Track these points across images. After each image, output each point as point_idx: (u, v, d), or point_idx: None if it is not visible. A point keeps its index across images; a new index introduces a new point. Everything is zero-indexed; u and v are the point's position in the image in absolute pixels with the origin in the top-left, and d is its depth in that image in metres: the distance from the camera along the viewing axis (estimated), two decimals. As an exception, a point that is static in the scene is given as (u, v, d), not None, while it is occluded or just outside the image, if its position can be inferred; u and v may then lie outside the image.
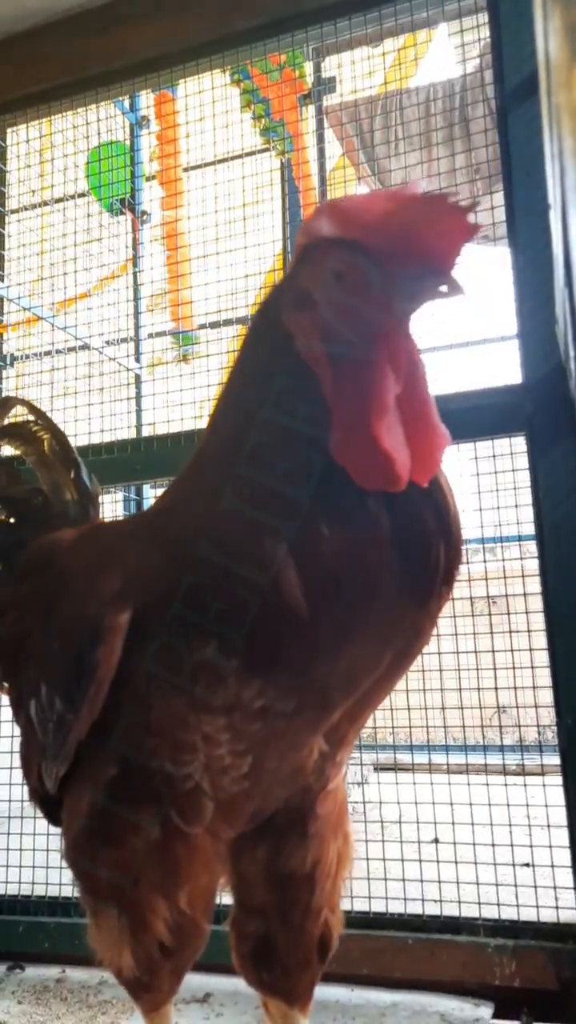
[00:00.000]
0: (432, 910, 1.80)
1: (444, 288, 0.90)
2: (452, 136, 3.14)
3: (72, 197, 2.63)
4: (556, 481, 1.74)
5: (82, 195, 2.59)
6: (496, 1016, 1.64)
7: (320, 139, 3.40)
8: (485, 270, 2.13)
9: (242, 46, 2.26)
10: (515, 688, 1.85)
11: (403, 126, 3.37)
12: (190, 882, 1.09)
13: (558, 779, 1.71)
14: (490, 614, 1.94)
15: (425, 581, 0.95)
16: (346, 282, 0.92)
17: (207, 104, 2.38)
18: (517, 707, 1.85)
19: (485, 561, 2.08)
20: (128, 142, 3.16)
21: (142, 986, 1.13)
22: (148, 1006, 1.17)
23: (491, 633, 1.90)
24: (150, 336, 3.11)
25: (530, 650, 1.83)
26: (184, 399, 2.37)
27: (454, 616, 1.92)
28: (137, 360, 2.83)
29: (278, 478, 0.95)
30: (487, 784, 1.84)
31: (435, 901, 1.79)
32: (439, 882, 1.80)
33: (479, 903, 1.76)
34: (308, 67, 3.17)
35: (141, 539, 1.04)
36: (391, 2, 2.09)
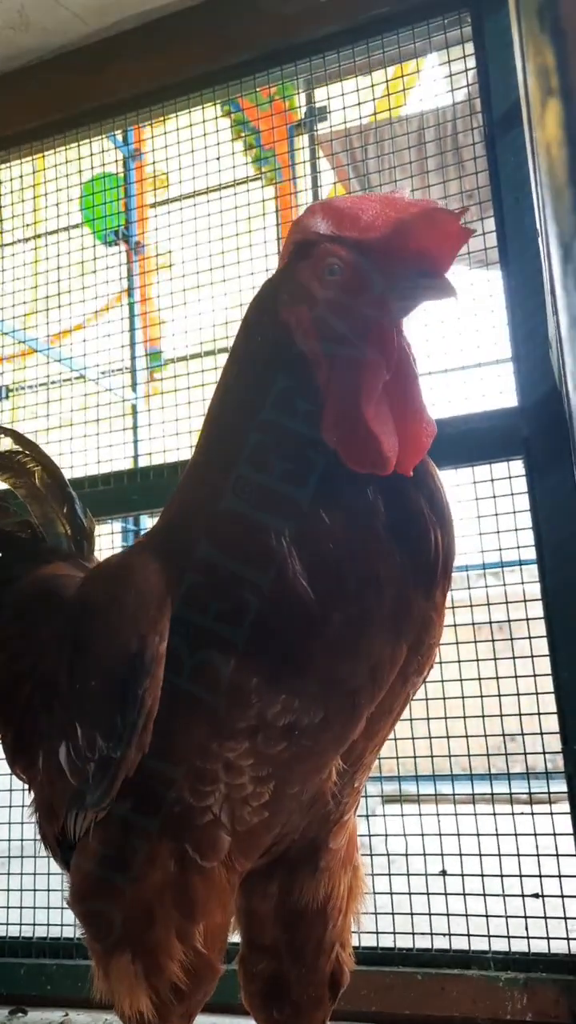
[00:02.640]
0: (441, 944, 1.77)
1: (438, 289, 0.93)
2: (444, 163, 3.17)
3: (66, 229, 2.65)
4: (555, 504, 1.73)
5: (75, 227, 2.61)
6: (509, 1053, 1.60)
7: (313, 167, 3.43)
8: (480, 294, 2.14)
9: (233, 80, 2.29)
10: (520, 715, 1.83)
11: (395, 154, 3.40)
12: (206, 919, 1.07)
13: (566, 807, 1.69)
14: (493, 640, 1.92)
15: (426, 569, 0.97)
16: (343, 279, 0.96)
17: (198, 137, 2.40)
18: (523, 734, 1.82)
19: (487, 586, 2.07)
20: (121, 174, 3.19)
21: None
22: None
23: (495, 659, 1.88)
24: (147, 367, 3.12)
25: (534, 676, 1.81)
26: (180, 428, 2.37)
27: (457, 643, 1.91)
28: (133, 390, 2.83)
29: (277, 472, 0.97)
30: (494, 814, 1.81)
31: (444, 935, 1.76)
32: (448, 915, 1.77)
33: (489, 936, 1.73)
34: (300, 98, 3.21)
35: (157, 563, 1.04)
36: (379, 35, 2.12)
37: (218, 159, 2.36)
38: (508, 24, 1.83)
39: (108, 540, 2.39)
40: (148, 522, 2.77)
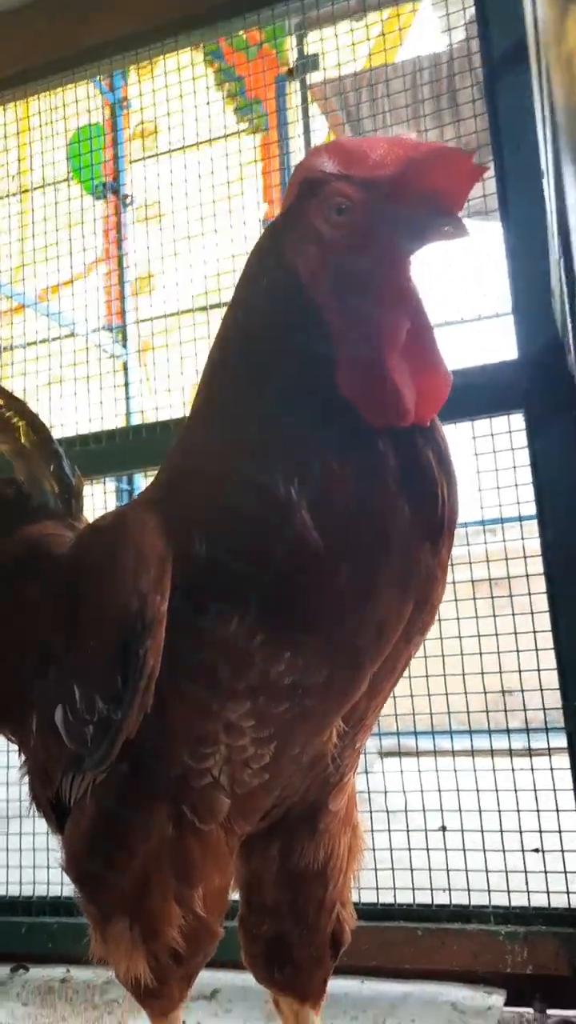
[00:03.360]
0: (441, 899, 1.78)
1: (449, 228, 0.90)
2: (440, 109, 3.08)
3: (52, 184, 2.57)
4: (556, 459, 1.70)
5: (62, 181, 2.54)
6: (508, 1004, 1.62)
7: (305, 115, 3.33)
8: (479, 244, 2.09)
9: (219, 22, 2.20)
10: (520, 671, 1.82)
11: (389, 99, 3.30)
12: (204, 883, 1.05)
13: (566, 761, 1.69)
14: (492, 597, 1.90)
15: (433, 524, 0.95)
16: (352, 217, 0.93)
17: (187, 81, 2.32)
18: (522, 690, 1.82)
19: (486, 543, 2.05)
20: (108, 124, 3.10)
21: (151, 994, 1.09)
22: (157, 1013, 1.14)
23: (494, 616, 1.86)
24: (138, 322, 3.06)
25: (534, 632, 1.80)
26: (173, 385, 2.33)
27: (456, 600, 1.89)
28: (123, 346, 2.78)
29: (286, 422, 0.94)
30: (493, 769, 1.81)
31: (444, 890, 1.77)
32: (447, 871, 1.77)
33: (488, 891, 1.74)
34: (290, 42, 3.11)
35: (156, 519, 1.00)
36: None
37: (208, 104, 2.28)
38: (510, -44, 1.75)
39: (101, 499, 2.35)
40: (142, 481, 2.73)
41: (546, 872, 1.71)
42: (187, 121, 2.38)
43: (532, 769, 1.77)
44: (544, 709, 1.78)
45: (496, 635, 1.85)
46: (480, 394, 1.83)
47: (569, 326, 1.36)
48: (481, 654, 1.85)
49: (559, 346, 1.69)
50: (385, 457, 0.93)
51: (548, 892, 1.70)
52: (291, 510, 0.91)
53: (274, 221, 1.04)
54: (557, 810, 1.72)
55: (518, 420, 1.85)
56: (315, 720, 1.00)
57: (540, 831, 1.74)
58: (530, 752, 1.80)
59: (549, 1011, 1.60)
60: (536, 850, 1.74)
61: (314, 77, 3.42)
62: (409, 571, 0.95)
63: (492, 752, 1.84)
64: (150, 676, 0.96)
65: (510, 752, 1.80)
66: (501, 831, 1.76)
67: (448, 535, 0.98)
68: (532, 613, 1.80)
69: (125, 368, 2.72)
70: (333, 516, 0.92)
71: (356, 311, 0.93)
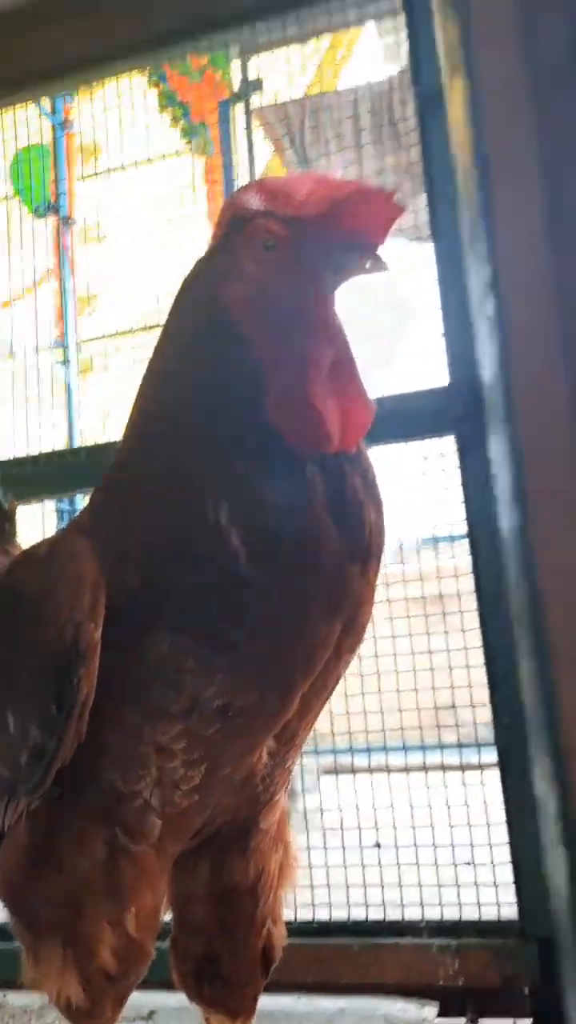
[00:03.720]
0: (376, 915, 1.80)
1: (370, 263, 0.94)
2: (381, 136, 3.16)
3: (-6, 202, 2.58)
4: (484, 481, 1.75)
5: (2, 199, 2.54)
6: (441, 1015, 1.65)
7: (248, 140, 3.38)
8: (416, 268, 2.15)
9: (163, 47, 2.23)
10: (452, 688, 1.86)
11: (332, 125, 3.38)
12: (136, 903, 1.06)
13: (497, 775, 1.73)
14: (426, 614, 1.95)
15: (361, 547, 0.98)
16: (277, 253, 0.96)
17: (126, 107, 2.34)
18: (455, 706, 1.86)
19: (420, 562, 2.09)
20: (51, 145, 3.10)
21: (84, 1014, 1.09)
22: None
23: (427, 633, 1.91)
24: (79, 343, 3.07)
25: (465, 649, 1.84)
26: (115, 406, 2.34)
27: (391, 617, 1.93)
28: (65, 366, 2.78)
29: (215, 451, 0.96)
30: (427, 785, 1.85)
31: (379, 905, 1.80)
32: (382, 886, 1.80)
33: (422, 904, 1.77)
34: (234, 67, 3.16)
35: (89, 546, 1.01)
36: (309, 5, 2.09)
37: (148, 127, 2.31)
38: (437, -2, 1.81)
39: (41, 521, 2.35)
40: (82, 502, 2.73)
41: (477, 885, 1.75)
42: (131, 142, 2.41)
43: (464, 784, 1.81)
44: (475, 724, 1.82)
45: (430, 652, 1.89)
46: (414, 417, 1.88)
47: (481, 357, 1.41)
48: (415, 671, 1.89)
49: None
50: (313, 483, 0.96)
51: (479, 904, 1.74)
52: (222, 536, 0.94)
53: (203, 255, 1.07)
54: (488, 823, 1.76)
55: (450, 442, 1.91)
56: (245, 741, 1.02)
57: (471, 845, 1.77)
58: (462, 767, 1.84)
59: (481, 1021, 1.63)
60: (468, 863, 1.77)
61: (258, 101, 3.47)
62: (338, 594, 0.97)
63: (426, 768, 1.88)
64: (84, 703, 0.97)
65: (443, 768, 1.84)
66: (434, 845, 1.79)
67: (375, 558, 1.01)
68: (463, 631, 1.84)
69: (67, 389, 2.72)
70: (263, 542, 0.94)
71: (282, 343, 0.96)
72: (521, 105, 0.43)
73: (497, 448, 0.50)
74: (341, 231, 0.93)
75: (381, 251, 0.94)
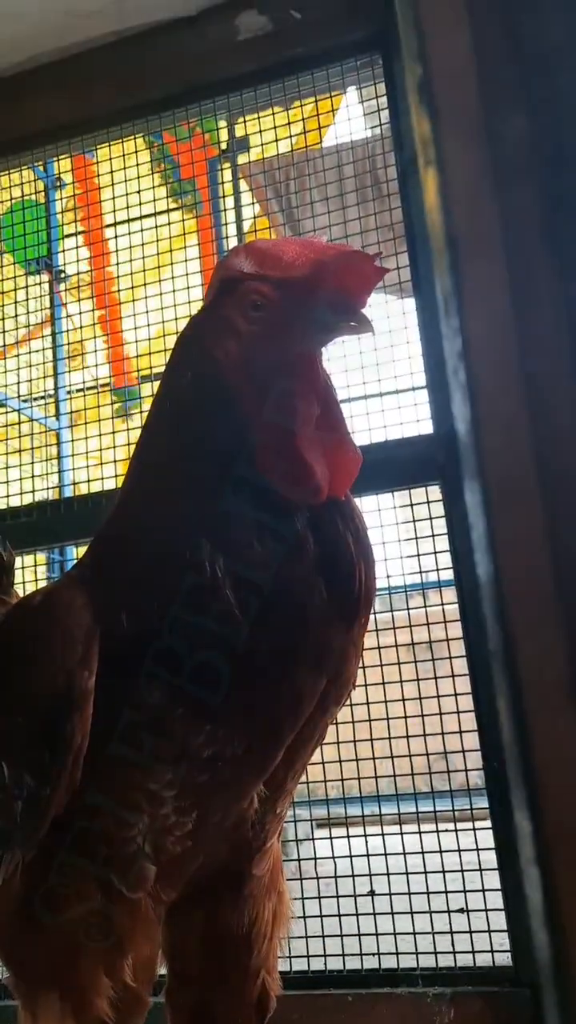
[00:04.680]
0: (371, 964, 1.79)
1: (355, 324, 0.98)
2: (364, 196, 3.25)
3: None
4: (468, 528, 1.79)
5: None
6: (438, 1066, 1.63)
7: (236, 199, 3.48)
8: (399, 321, 2.21)
9: (152, 115, 2.32)
10: (443, 734, 1.87)
11: (318, 185, 3.47)
12: (133, 952, 1.06)
13: (488, 822, 1.74)
14: (416, 661, 1.96)
15: (349, 603, 1.00)
16: (266, 313, 1.00)
17: (128, 167, 2.42)
18: (445, 753, 1.87)
19: (408, 608, 2.12)
20: (43, 203, 3.18)
21: None
22: None
23: (418, 680, 1.92)
24: (70, 394, 3.11)
25: (455, 695, 1.86)
26: (105, 457, 2.37)
27: (381, 664, 1.95)
28: (57, 418, 2.82)
29: (209, 504, 0.99)
30: (419, 832, 1.85)
31: (373, 954, 1.79)
32: (377, 935, 1.79)
33: (416, 953, 1.76)
34: (222, 128, 3.26)
35: (84, 597, 1.04)
36: (294, 75, 2.18)
37: (139, 192, 2.38)
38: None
39: (32, 572, 2.36)
40: (75, 552, 2.75)
41: (471, 932, 1.74)
42: (123, 199, 2.47)
43: (456, 831, 1.81)
44: (467, 771, 1.83)
45: (420, 698, 1.90)
46: (400, 466, 1.93)
47: (455, 415, 1.46)
48: (406, 718, 1.90)
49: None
50: (304, 538, 0.99)
51: (473, 951, 1.73)
52: (216, 588, 0.96)
53: (196, 314, 1.12)
54: (480, 869, 1.76)
55: (436, 490, 1.95)
56: (234, 789, 1.04)
57: (465, 891, 1.77)
58: (454, 815, 1.84)
59: (478, 1072, 1.62)
60: (461, 910, 1.77)
61: (244, 159, 3.58)
62: (325, 648, 1.00)
63: (418, 816, 1.88)
64: (77, 752, 0.98)
65: (435, 816, 1.84)
66: (428, 893, 1.79)
67: (365, 612, 1.03)
68: (453, 676, 1.86)
69: (58, 439, 2.76)
70: (254, 595, 0.96)
71: (271, 398, 1.00)
72: (485, 193, 0.48)
73: (471, 499, 0.54)
74: (326, 292, 0.97)
75: (366, 311, 0.99)
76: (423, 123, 0.53)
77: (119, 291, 2.52)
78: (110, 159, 2.47)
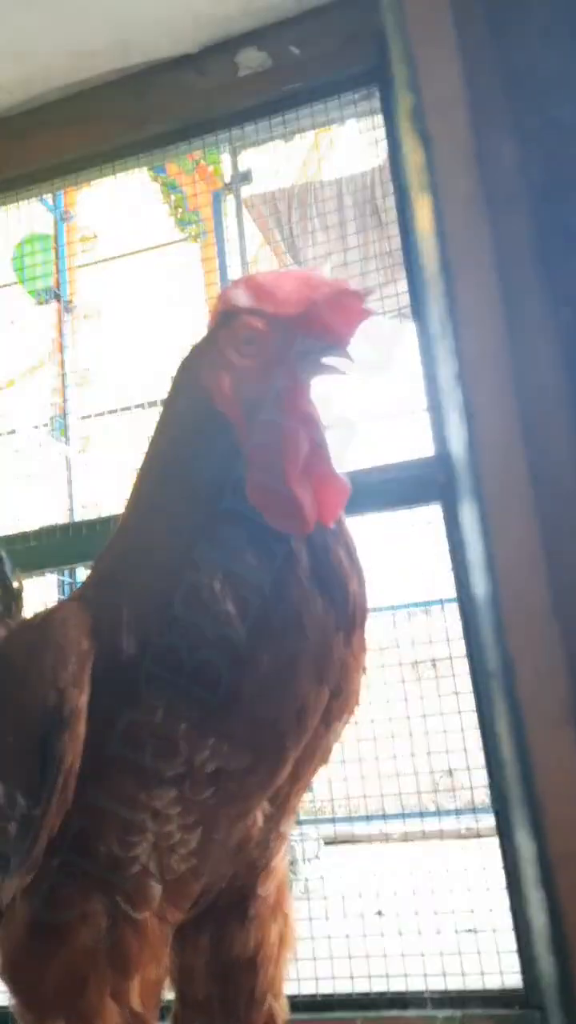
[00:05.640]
0: (379, 986, 1.78)
1: (340, 360, 1.01)
2: (365, 225, 3.32)
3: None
4: (465, 548, 1.80)
5: (5, 286, 2.64)
6: None
7: (240, 229, 3.54)
8: (403, 345, 2.24)
9: (156, 148, 2.37)
10: (448, 752, 1.88)
11: (318, 216, 3.54)
12: (140, 973, 1.06)
13: (495, 841, 1.73)
14: (420, 679, 1.97)
15: (346, 614, 1.02)
16: (257, 345, 1.03)
17: (127, 200, 2.47)
18: (451, 771, 1.87)
19: (412, 628, 2.13)
20: (52, 234, 3.25)
21: None
22: None
23: (422, 698, 1.93)
24: (80, 419, 3.16)
25: (460, 712, 1.86)
26: (114, 482, 2.40)
27: (386, 682, 1.96)
28: (67, 443, 2.86)
29: (205, 526, 1.02)
30: (428, 851, 1.85)
31: (382, 976, 1.78)
32: (385, 956, 1.79)
33: (425, 974, 1.75)
34: (225, 159, 3.33)
35: (82, 616, 1.05)
36: (294, 108, 2.23)
37: (144, 213, 2.43)
38: (414, 100, 1.94)
39: (43, 593, 2.38)
40: (83, 574, 2.77)
41: (479, 953, 1.73)
42: (130, 230, 2.53)
43: (464, 849, 1.81)
44: (472, 788, 1.83)
45: (425, 716, 1.91)
46: (401, 487, 1.95)
47: (449, 435, 1.49)
48: (412, 735, 1.91)
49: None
50: (298, 555, 1.02)
51: (482, 973, 1.72)
52: (217, 605, 0.98)
53: (195, 344, 1.15)
54: (488, 890, 1.76)
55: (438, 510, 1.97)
56: (238, 805, 1.04)
57: (472, 911, 1.77)
58: (461, 834, 1.84)
59: None
60: (470, 931, 1.76)
61: (247, 190, 3.65)
62: (324, 660, 1.01)
63: (425, 835, 1.88)
64: (68, 771, 0.98)
65: (441, 835, 1.84)
66: (436, 913, 1.78)
67: (359, 628, 1.06)
68: (457, 693, 1.87)
69: (68, 464, 2.79)
70: (250, 609, 0.99)
71: (261, 431, 1.03)
72: (477, 219, 0.51)
73: (468, 519, 0.56)
74: (314, 331, 1.00)
75: (351, 348, 1.01)
76: (416, 151, 0.56)
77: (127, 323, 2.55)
78: (118, 195, 2.53)
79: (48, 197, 3.18)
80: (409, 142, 0.61)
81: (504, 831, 1.70)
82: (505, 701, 0.48)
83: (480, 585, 0.52)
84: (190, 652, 0.99)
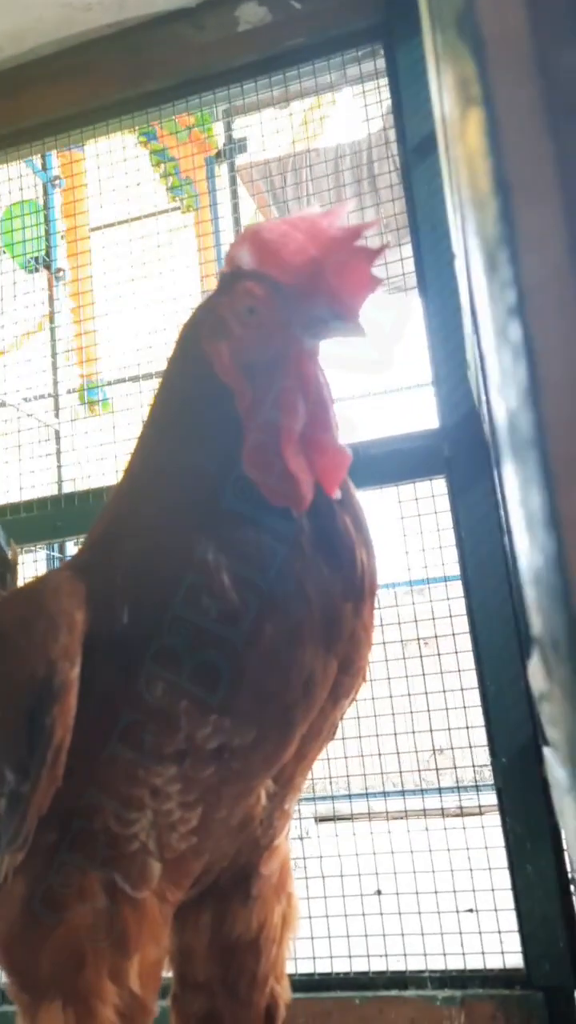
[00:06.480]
0: (378, 966, 1.76)
1: (347, 330, 0.97)
2: (361, 191, 3.26)
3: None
4: (476, 521, 1.77)
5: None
6: (448, 1070, 1.60)
7: (233, 196, 3.47)
8: (402, 317, 2.20)
9: (151, 107, 2.30)
10: (449, 729, 1.85)
11: (313, 182, 3.48)
12: (139, 953, 1.03)
13: (497, 819, 1.71)
14: (421, 656, 1.94)
15: (354, 584, 0.99)
16: (259, 315, 1.00)
17: (117, 163, 2.40)
18: (452, 748, 1.85)
19: (414, 603, 2.10)
20: (41, 201, 3.17)
21: None
22: None
23: (423, 675, 1.90)
24: (69, 391, 3.10)
25: (461, 690, 1.84)
26: (106, 453, 2.35)
27: (386, 660, 1.93)
28: (56, 415, 2.80)
29: (203, 495, 0.98)
30: (427, 829, 1.83)
31: (381, 956, 1.76)
32: (384, 935, 1.76)
33: (425, 954, 1.73)
34: (219, 127, 3.26)
35: (75, 586, 1.01)
36: (294, 66, 2.17)
37: (139, 185, 2.36)
38: (420, 54, 1.88)
39: (32, 568, 2.33)
40: (73, 549, 2.72)
41: (480, 933, 1.71)
42: (121, 198, 2.46)
43: (464, 828, 1.79)
44: (474, 766, 1.80)
45: (426, 694, 1.88)
46: (405, 460, 1.91)
47: (484, 397, 1.45)
48: (412, 713, 1.88)
49: (476, 415, 1.78)
50: (299, 522, 0.98)
51: (483, 953, 1.70)
52: (212, 575, 0.94)
53: (195, 312, 1.11)
54: (490, 868, 1.74)
55: (441, 485, 1.93)
56: (241, 783, 1.01)
57: (474, 890, 1.75)
58: (462, 811, 1.82)
59: (488, 1076, 1.59)
60: (470, 910, 1.74)
61: (242, 159, 3.58)
62: (332, 629, 0.98)
63: (425, 812, 1.85)
64: (58, 746, 0.95)
65: (442, 812, 1.81)
66: (436, 892, 1.76)
67: (369, 597, 1.02)
68: (459, 671, 1.84)
69: (57, 436, 2.73)
70: (251, 579, 0.95)
71: (260, 400, 0.99)
72: (539, 131, 0.45)
73: (520, 476, 0.50)
74: (319, 297, 0.96)
75: (359, 316, 0.97)
76: (461, 63, 0.50)
77: (115, 291, 2.49)
78: (110, 153, 2.46)
79: (37, 161, 3.10)
80: (450, 57, 0.55)
81: (507, 808, 1.68)
82: (571, 664, 0.43)
83: (538, 547, 0.47)
84: (188, 621, 0.95)
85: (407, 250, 2.07)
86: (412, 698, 1.89)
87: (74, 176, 2.69)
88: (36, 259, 3.06)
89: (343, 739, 1.84)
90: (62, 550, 2.77)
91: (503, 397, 0.53)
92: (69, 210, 2.87)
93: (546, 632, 0.49)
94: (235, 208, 3.22)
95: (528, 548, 0.51)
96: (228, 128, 3.22)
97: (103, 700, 0.96)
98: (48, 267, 3.11)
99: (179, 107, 2.31)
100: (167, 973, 1.16)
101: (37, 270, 3.06)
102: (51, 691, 0.94)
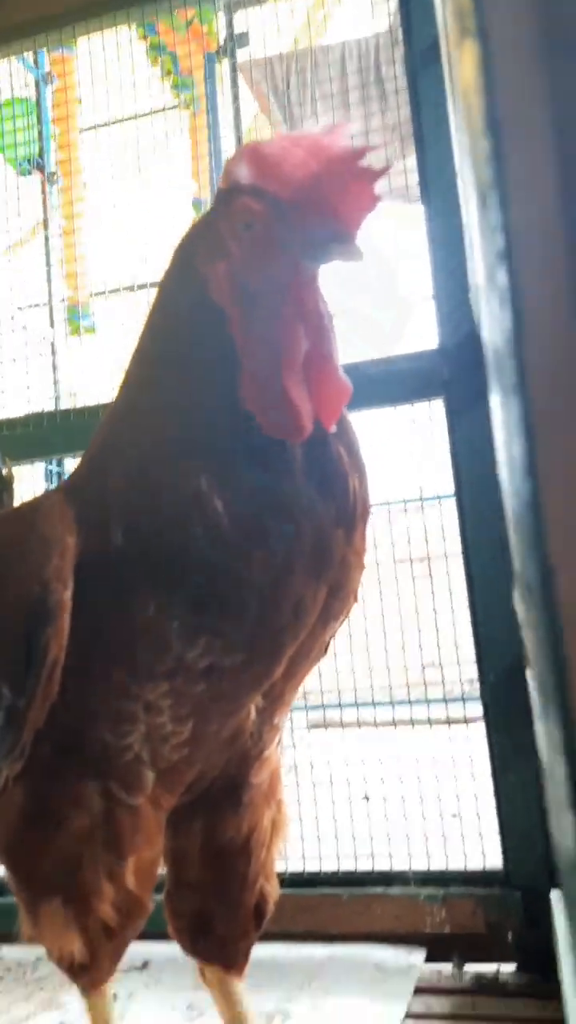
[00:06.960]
0: (365, 865, 1.85)
1: (346, 252, 0.94)
2: (367, 95, 3.11)
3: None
4: (473, 444, 1.77)
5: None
6: (428, 960, 1.70)
7: (234, 96, 3.33)
8: (406, 229, 2.13)
9: (147, 1, 2.18)
10: (439, 646, 1.90)
11: (318, 84, 3.33)
12: (134, 855, 1.09)
13: (482, 729, 1.77)
14: (413, 575, 1.97)
15: (346, 511, 1.00)
16: (256, 230, 0.96)
17: (112, 61, 2.30)
18: (442, 664, 1.89)
19: (407, 523, 2.12)
20: (34, 99, 3.04)
21: (83, 969, 1.12)
22: (88, 986, 1.17)
23: (415, 593, 1.94)
24: (62, 301, 3.04)
25: (452, 609, 1.87)
26: (104, 366, 2.33)
27: (379, 578, 1.96)
28: (51, 327, 2.75)
29: (197, 419, 0.98)
30: (414, 737, 1.89)
31: (368, 856, 1.84)
32: (371, 838, 1.85)
33: (409, 855, 1.82)
34: (220, 21, 3.09)
35: (68, 508, 1.03)
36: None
37: (134, 86, 2.26)
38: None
39: (31, 483, 2.34)
40: (71, 464, 2.72)
41: (463, 837, 1.79)
42: (114, 98, 2.36)
43: (450, 738, 1.85)
44: (462, 681, 1.86)
45: (417, 612, 1.92)
46: (403, 380, 1.88)
47: (482, 316, 1.42)
48: (403, 629, 1.92)
49: (477, 336, 1.75)
50: (292, 450, 0.98)
51: (465, 855, 1.79)
52: (204, 499, 0.95)
53: (190, 228, 1.08)
54: (473, 776, 1.81)
55: (439, 406, 1.91)
56: (232, 700, 1.05)
57: (458, 797, 1.82)
58: (448, 721, 1.88)
59: (466, 966, 1.69)
60: (454, 815, 1.82)
61: (243, 55, 3.41)
62: (322, 555, 0.99)
63: (413, 722, 1.92)
64: (53, 664, 0.98)
65: (429, 721, 1.87)
66: (421, 798, 1.84)
67: (360, 524, 1.03)
68: (451, 590, 1.87)
69: (53, 349, 2.69)
70: (243, 504, 0.96)
71: (257, 325, 0.97)
72: (534, 68, 0.44)
73: (505, 418, 0.51)
74: (316, 217, 0.93)
75: (358, 238, 0.94)
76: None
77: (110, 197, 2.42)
78: (103, 49, 2.35)
79: (29, 57, 2.96)
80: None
81: (493, 722, 1.73)
82: (543, 615, 0.45)
83: (515, 489, 0.48)
84: (176, 552, 0.96)
85: (414, 160, 1.99)
86: (403, 615, 1.93)
87: (66, 76, 2.57)
88: (29, 160, 2.96)
89: (335, 653, 1.88)
90: (60, 464, 2.77)
91: (491, 339, 0.53)
92: (61, 112, 2.75)
93: (522, 575, 0.50)
94: (236, 112, 3.09)
95: (508, 490, 0.52)
96: (230, 22, 3.06)
97: (94, 619, 0.99)
98: (41, 169, 3.01)
99: (177, 3, 2.19)
100: (162, 870, 1.23)
101: (30, 172, 2.96)
102: (45, 611, 0.97)
